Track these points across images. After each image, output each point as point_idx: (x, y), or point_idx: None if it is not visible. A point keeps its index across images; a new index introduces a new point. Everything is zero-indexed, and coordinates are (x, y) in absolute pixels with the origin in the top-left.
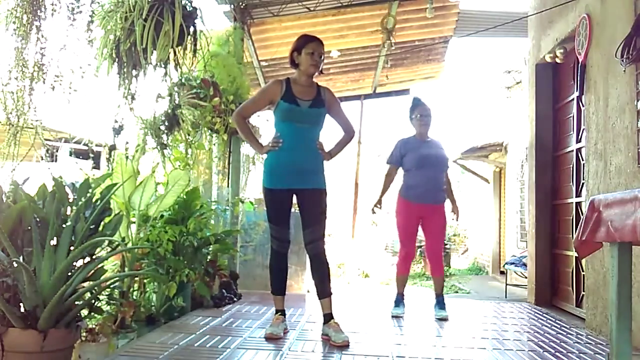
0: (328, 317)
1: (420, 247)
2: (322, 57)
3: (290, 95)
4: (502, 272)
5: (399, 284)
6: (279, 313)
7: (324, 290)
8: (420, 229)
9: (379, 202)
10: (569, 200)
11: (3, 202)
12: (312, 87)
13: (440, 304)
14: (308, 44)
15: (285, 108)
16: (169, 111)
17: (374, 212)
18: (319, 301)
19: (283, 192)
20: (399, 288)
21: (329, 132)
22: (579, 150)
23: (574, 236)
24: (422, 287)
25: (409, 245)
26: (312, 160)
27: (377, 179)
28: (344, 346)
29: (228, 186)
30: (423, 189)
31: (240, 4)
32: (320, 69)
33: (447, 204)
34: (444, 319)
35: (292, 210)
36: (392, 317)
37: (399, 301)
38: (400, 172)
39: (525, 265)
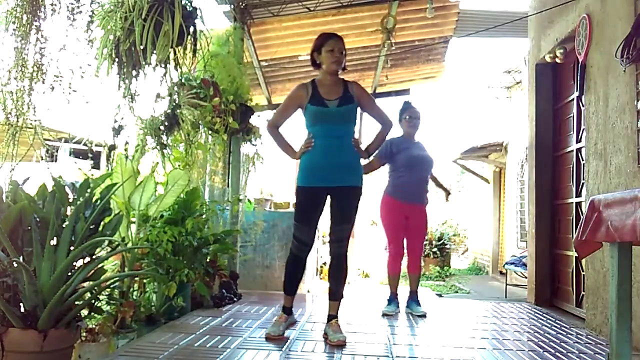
0: (331, 317)
1: None
2: (343, 53)
3: (317, 97)
4: (502, 272)
5: (391, 283)
6: (284, 311)
7: (337, 293)
8: None
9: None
10: (569, 200)
11: (3, 202)
12: (338, 84)
13: (415, 301)
14: (327, 41)
15: (313, 111)
16: (169, 111)
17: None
18: (328, 301)
19: (317, 190)
20: (392, 287)
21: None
22: (579, 150)
23: (574, 236)
24: (421, 286)
25: (397, 243)
26: (348, 157)
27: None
28: (340, 345)
29: (228, 186)
30: (411, 188)
31: (240, 4)
32: (343, 65)
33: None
34: (423, 316)
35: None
36: (383, 315)
37: (392, 300)
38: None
39: (525, 265)
